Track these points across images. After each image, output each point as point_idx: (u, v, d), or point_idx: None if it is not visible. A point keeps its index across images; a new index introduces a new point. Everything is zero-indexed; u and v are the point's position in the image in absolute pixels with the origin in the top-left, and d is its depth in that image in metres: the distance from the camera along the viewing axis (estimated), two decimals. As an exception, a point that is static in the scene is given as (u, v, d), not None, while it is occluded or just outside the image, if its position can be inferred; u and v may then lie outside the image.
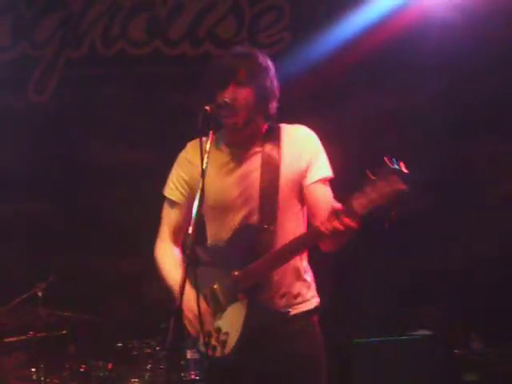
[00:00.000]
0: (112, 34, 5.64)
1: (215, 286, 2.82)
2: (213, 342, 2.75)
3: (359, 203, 2.54)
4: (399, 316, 5.03)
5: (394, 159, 2.49)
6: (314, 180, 2.85)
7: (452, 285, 5.17)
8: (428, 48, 5.23)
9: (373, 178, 2.51)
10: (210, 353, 2.74)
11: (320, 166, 2.86)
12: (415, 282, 5.15)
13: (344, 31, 5.28)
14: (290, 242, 2.77)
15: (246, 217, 2.85)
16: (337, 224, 2.58)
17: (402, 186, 2.47)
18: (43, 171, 5.53)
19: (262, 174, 2.84)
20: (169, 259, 2.97)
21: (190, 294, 2.69)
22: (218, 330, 2.76)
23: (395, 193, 2.48)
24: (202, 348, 2.77)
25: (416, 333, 4.80)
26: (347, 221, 2.56)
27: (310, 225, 2.85)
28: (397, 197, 2.48)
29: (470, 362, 4.78)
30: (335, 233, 2.59)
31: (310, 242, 2.76)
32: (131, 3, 5.65)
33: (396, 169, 2.48)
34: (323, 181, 2.87)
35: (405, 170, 2.49)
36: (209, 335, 2.76)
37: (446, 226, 5.25)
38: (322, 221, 2.64)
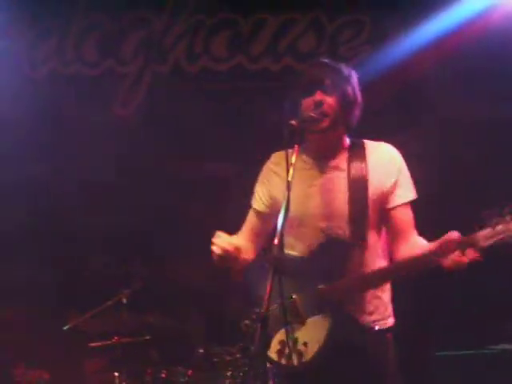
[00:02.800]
0: (195, 50, 5.76)
1: (294, 297, 2.85)
2: (287, 350, 2.78)
3: (484, 235, 2.59)
4: (481, 329, 4.95)
5: None
6: (398, 203, 2.91)
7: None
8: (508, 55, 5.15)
9: (503, 217, 2.57)
10: (283, 361, 2.79)
11: (405, 189, 2.92)
12: (497, 294, 5.06)
13: (423, 41, 5.25)
14: (392, 265, 2.84)
15: (328, 230, 2.89)
16: (459, 257, 2.61)
17: None
18: (130, 184, 5.67)
19: (351, 189, 2.89)
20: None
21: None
22: (295, 340, 2.79)
23: None
24: (274, 356, 2.82)
25: (497, 347, 4.73)
26: (471, 252, 2.61)
27: (421, 252, 2.79)
28: None
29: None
30: (456, 266, 2.63)
31: (418, 268, 2.76)
32: (213, 20, 5.76)
33: None
34: (407, 204, 2.93)
35: None
36: (283, 344, 2.80)
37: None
38: (439, 250, 2.66)
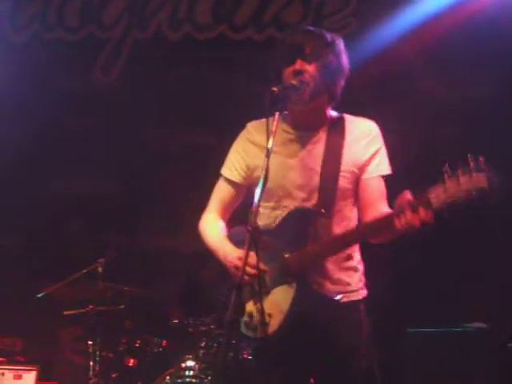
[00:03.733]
0: (178, 17, 5.71)
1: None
2: (254, 322, 2.76)
3: (436, 196, 2.51)
4: (454, 307, 4.99)
5: (476, 157, 2.46)
6: (372, 175, 2.89)
7: (507, 277, 5.10)
8: (496, 36, 5.14)
9: (453, 173, 2.49)
10: (250, 333, 2.77)
11: (381, 163, 2.91)
12: (471, 272, 5.10)
13: (410, 17, 5.22)
14: (353, 230, 2.80)
15: (304, 200, 2.87)
16: (411, 216, 2.53)
17: (485, 185, 2.45)
18: (107, 152, 5.62)
19: (324, 161, 2.86)
20: (211, 225, 3.02)
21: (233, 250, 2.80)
22: (261, 311, 2.75)
23: (476, 190, 2.45)
24: (243, 328, 2.79)
25: (470, 325, 4.76)
26: (423, 213, 2.52)
27: (369, 216, 2.80)
28: (477, 194, 2.45)
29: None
30: (408, 227, 2.55)
31: (375, 232, 2.74)
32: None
33: (480, 167, 2.45)
34: (381, 177, 2.91)
35: (489, 170, 2.45)
36: (250, 316, 2.78)
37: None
38: (394, 212, 2.59)
